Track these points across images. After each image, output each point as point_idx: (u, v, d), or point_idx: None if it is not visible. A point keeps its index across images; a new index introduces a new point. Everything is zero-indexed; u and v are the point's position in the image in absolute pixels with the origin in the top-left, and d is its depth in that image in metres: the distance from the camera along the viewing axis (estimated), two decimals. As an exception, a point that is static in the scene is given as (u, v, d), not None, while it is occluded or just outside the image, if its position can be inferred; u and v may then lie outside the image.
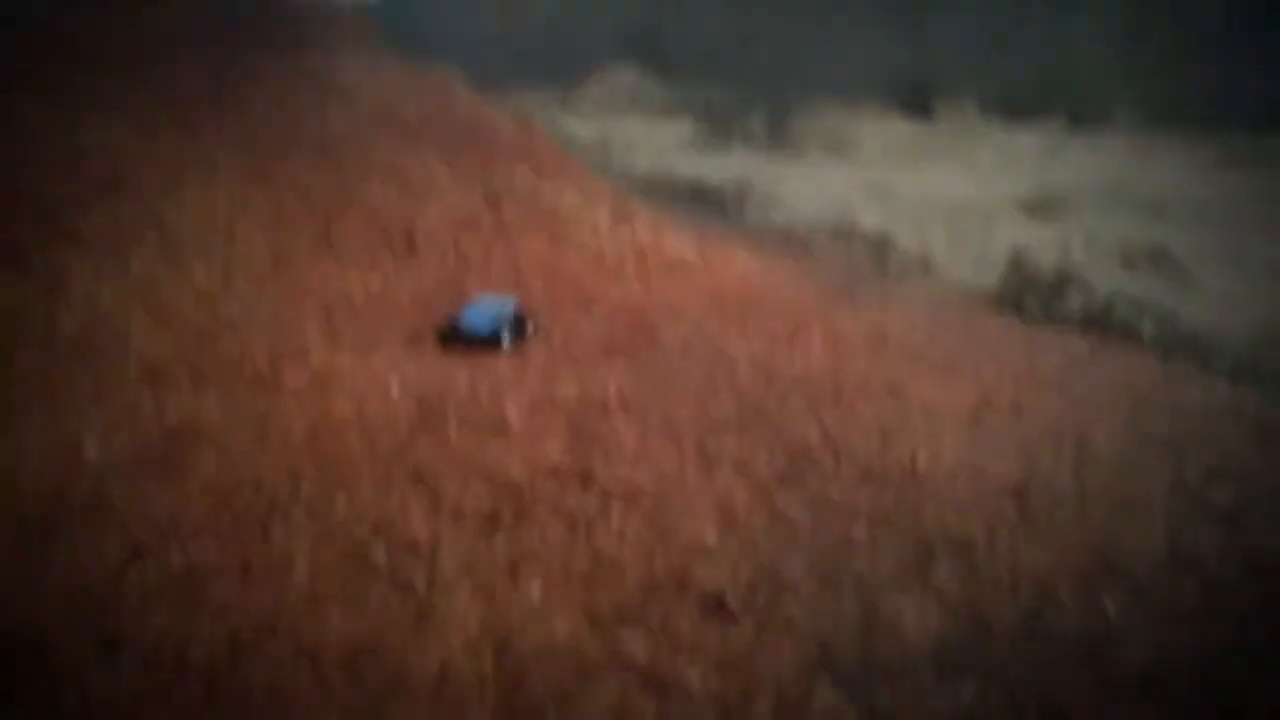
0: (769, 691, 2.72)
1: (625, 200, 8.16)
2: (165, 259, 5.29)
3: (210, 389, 4.22)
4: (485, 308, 5.30)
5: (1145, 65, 17.76)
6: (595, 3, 32.79)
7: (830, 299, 6.41)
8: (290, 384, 4.35)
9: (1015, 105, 19.54)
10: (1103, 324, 6.84)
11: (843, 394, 4.72)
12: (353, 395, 4.36)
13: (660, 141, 16.64)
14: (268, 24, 7.45)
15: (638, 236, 7.16)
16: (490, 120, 7.93)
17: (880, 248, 8.63)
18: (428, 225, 6.33)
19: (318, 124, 6.81)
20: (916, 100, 21.24)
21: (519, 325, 5.27)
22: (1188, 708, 2.71)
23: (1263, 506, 3.86)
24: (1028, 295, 7.44)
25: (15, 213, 5.83)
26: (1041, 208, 10.74)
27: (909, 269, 8.11)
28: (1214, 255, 7.77)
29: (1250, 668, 2.89)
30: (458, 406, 4.38)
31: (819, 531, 3.54)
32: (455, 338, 5.14)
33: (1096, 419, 4.73)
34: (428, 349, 4.94)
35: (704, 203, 11.24)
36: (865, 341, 5.53)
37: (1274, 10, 15.82)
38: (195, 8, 7.18)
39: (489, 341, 5.10)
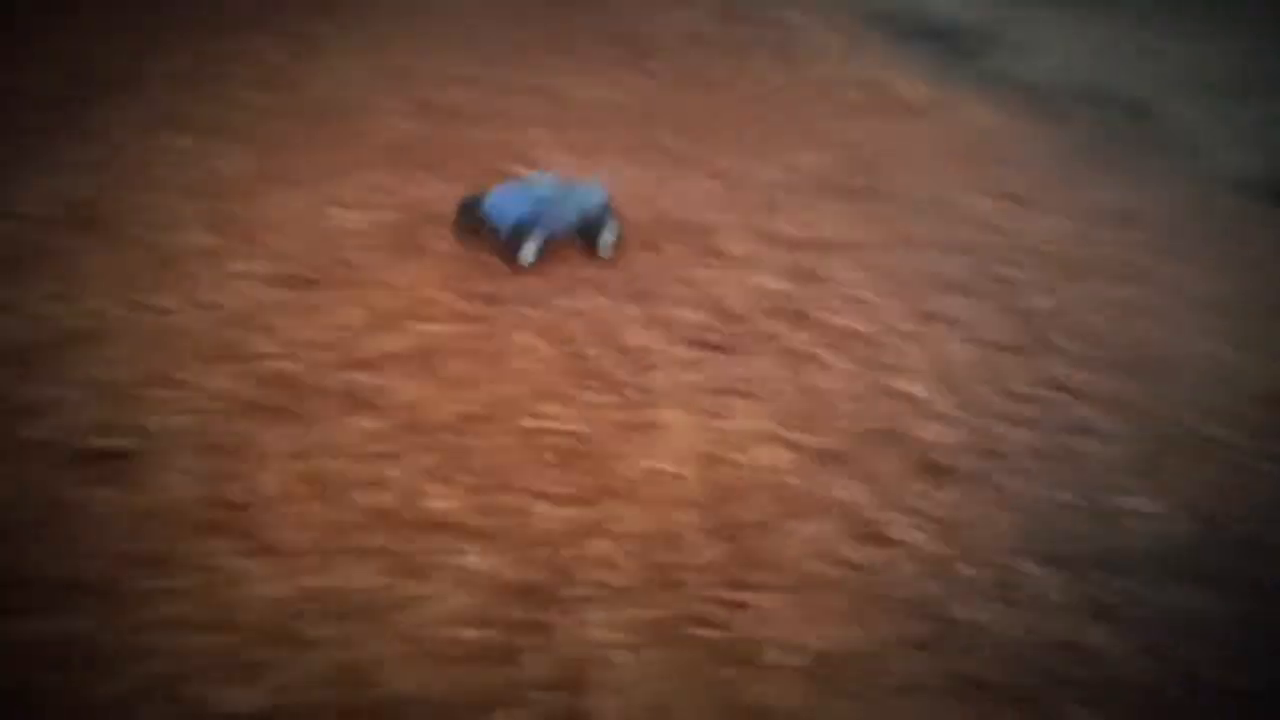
0: (975, 559, 2.67)
1: (861, 31, 7.61)
2: (414, 43, 5.41)
3: (446, 176, 4.33)
4: (531, 192, 3.84)
5: None
6: None
7: (1077, 165, 5.88)
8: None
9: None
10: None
11: (1082, 268, 4.39)
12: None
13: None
14: None
15: (870, 73, 6.72)
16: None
17: (1138, 116, 7.78)
18: (657, 36, 6.15)
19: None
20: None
21: (590, 229, 3.92)
22: None
23: None
24: (1303, 188, 6.61)
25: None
26: (1335, 87, 9.34)
27: (1169, 143, 7.30)
28: None
29: None
30: (675, 225, 4.34)
31: (1043, 407, 3.37)
32: (469, 221, 3.86)
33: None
34: (645, 161, 4.84)
35: (944, 44, 10.38)
36: (1112, 215, 5.08)
37: None
38: None
39: (505, 244, 3.74)
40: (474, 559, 2.47)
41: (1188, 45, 11.14)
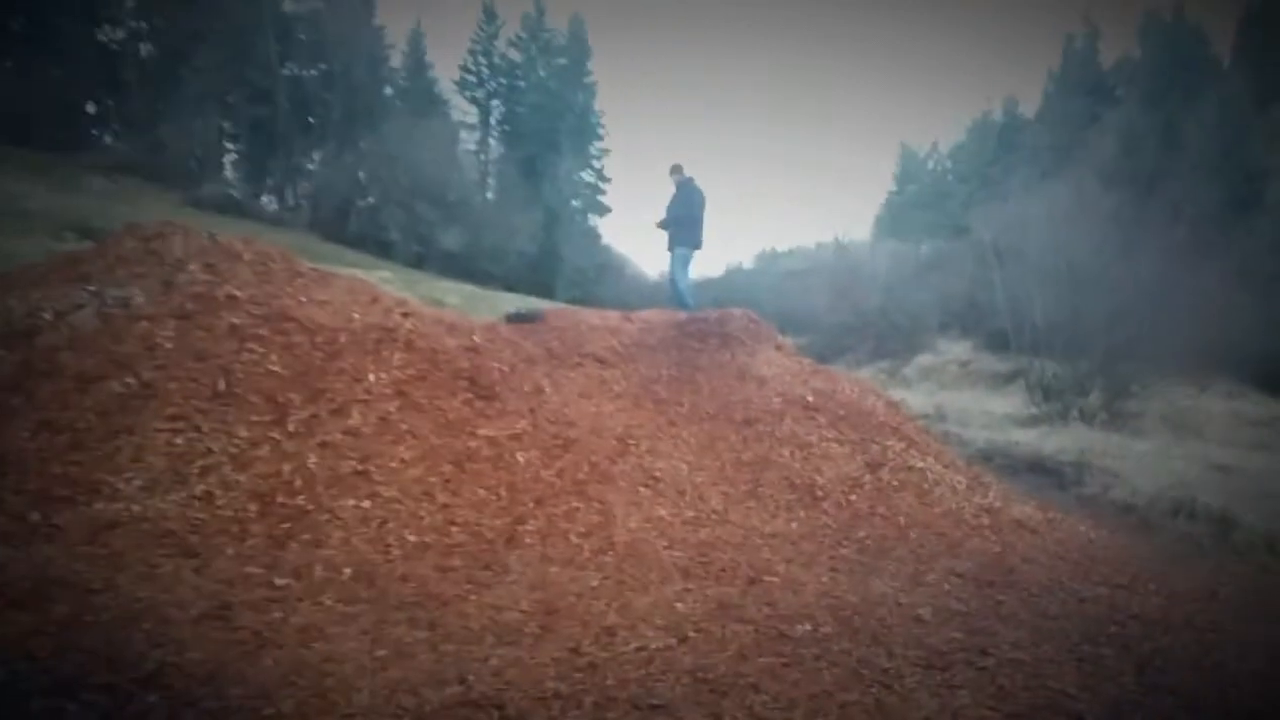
0: None
1: (977, 469, 9.83)
2: (654, 492, 7.71)
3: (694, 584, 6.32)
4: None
5: None
6: (920, 282, 35.64)
7: (1166, 561, 7.57)
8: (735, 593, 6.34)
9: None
10: None
11: (1171, 632, 5.97)
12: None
13: (995, 415, 18.08)
14: (708, 328, 10.40)
15: (990, 501, 8.78)
16: (866, 401, 10.08)
17: (1221, 525, 9.48)
18: (825, 484, 8.41)
19: (742, 403, 9.31)
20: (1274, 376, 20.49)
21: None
22: None
23: None
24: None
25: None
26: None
27: (1253, 547, 8.91)
28: None
29: None
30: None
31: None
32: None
33: None
34: (819, 576, 6.76)
35: (1042, 475, 12.53)
36: (1198, 595, 6.67)
37: None
38: (664, 324, 10.31)
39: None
40: None
41: (1268, 463, 13.06)
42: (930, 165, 57.01)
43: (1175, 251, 18.06)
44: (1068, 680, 5.28)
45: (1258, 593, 7.07)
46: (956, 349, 27.21)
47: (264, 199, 44.05)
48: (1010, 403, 19.35)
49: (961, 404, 19.32)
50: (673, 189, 12.59)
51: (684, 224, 12.38)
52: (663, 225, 12.58)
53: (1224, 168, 24.25)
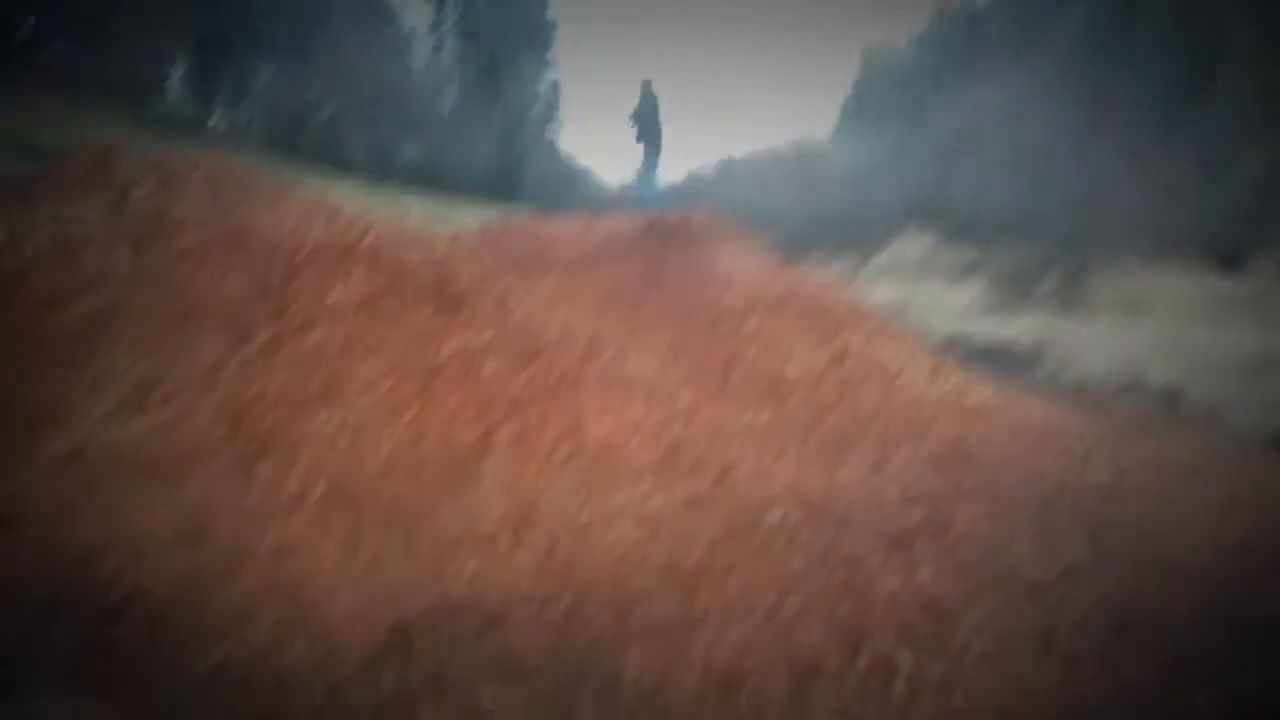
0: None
1: (939, 358, 10.08)
2: (625, 394, 7.83)
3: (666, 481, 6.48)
4: None
5: None
6: (883, 171, 35.42)
7: (1117, 436, 7.89)
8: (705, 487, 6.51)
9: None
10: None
11: (1120, 502, 6.27)
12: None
13: (955, 304, 18.31)
14: (672, 228, 10.45)
15: (951, 387, 9.04)
16: (830, 295, 10.25)
17: (1169, 399, 9.84)
18: (792, 379, 8.58)
19: (708, 303, 9.42)
20: (1229, 254, 20.73)
21: None
22: None
23: None
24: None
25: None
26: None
27: (1197, 417, 9.29)
28: None
29: None
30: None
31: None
32: None
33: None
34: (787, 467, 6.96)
35: (1000, 360, 12.84)
36: (1145, 467, 6.99)
37: None
38: (629, 227, 10.31)
39: None
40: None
41: (1215, 336, 13.40)
42: (891, 62, 56.05)
43: (1126, 130, 18.08)
44: (1024, 550, 5.56)
45: (1198, 461, 7.41)
46: (917, 241, 27.23)
47: (215, 115, 42.45)
48: (969, 292, 19.56)
49: (923, 294, 19.51)
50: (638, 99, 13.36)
51: (648, 129, 13.02)
52: (632, 129, 13.22)
53: (1181, 45, 24.11)
